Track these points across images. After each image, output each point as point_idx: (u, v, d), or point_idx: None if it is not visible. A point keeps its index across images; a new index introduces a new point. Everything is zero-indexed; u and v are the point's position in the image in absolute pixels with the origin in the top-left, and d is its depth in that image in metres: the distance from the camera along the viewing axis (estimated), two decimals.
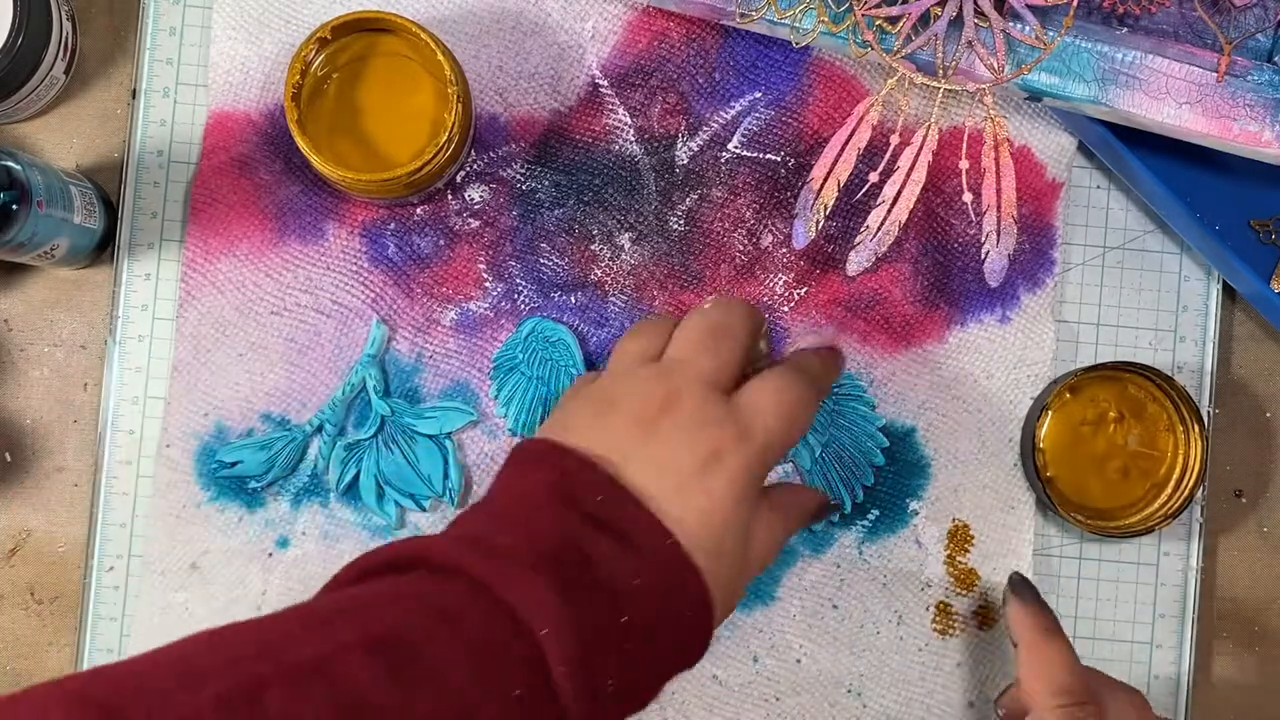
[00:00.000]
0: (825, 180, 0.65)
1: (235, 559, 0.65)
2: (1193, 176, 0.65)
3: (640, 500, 0.47)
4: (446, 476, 0.65)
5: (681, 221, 0.66)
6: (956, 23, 0.62)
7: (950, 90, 0.62)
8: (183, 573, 0.65)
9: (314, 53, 0.60)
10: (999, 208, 0.64)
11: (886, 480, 0.67)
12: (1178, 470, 0.66)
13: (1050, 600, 0.67)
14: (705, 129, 0.66)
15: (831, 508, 0.61)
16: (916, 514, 0.67)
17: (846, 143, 0.64)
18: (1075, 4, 0.61)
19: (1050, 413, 0.65)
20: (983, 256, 0.65)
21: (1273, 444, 0.69)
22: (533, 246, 0.66)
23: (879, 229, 0.65)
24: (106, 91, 0.67)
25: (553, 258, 0.66)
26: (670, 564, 0.46)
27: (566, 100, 0.66)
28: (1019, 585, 0.60)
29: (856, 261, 0.65)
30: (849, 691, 0.66)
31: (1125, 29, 0.63)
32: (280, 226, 0.65)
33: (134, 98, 0.67)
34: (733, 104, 0.66)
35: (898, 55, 0.62)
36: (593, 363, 0.66)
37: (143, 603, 0.65)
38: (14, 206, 0.56)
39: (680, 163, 0.66)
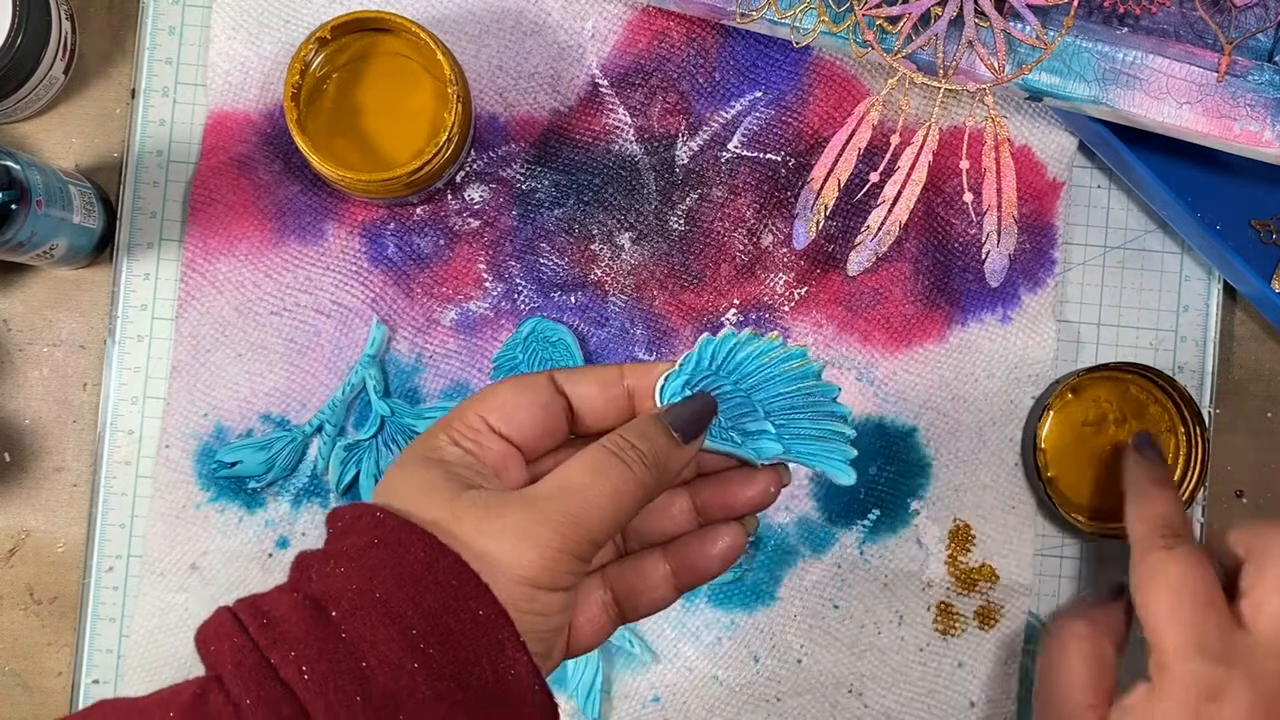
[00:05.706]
0: (826, 180, 0.64)
1: (235, 559, 0.65)
2: (1193, 176, 0.65)
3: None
4: None
5: (681, 221, 0.66)
6: (957, 22, 0.61)
7: (950, 90, 0.62)
8: (182, 573, 0.65)
9: (313, 53, 0.60)
10: (999, 207, 0.64)
11: (887, 480, 0.66)
12: (1179, 471, 0.66)
13: (1052, 602, 0.67)
14: (705, 129, 0.66)
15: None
16: (917, 514, 0.66)
17: (847, 143, 0.64)
18: (1076, 4, 0.60)
19: (1051, 413, 0.65)
20: (983, 256, 0.65)
21: (1274, 444, 0.69)
22: (533, 246, 0.66)
23: (879, 229, 0.65)
24: (106, 91, 0.67)
25: (553, 257, 0.66)
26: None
27: (566, 100, 0.66)
28: (1142, 443, 0.62)
29: (857, 261, 0.65)
30: (850, 692, 0.66)
31: (1126, 29, 0.63)
32: (280, 226, 0.65)
33: (133, 97, 0.66)
34: (733, 104, 0.66)
35: (898, 55, 0.62)
36: (592, 362, 0.66)
37: (142, 603, 0.64)
38: (13, 206, 0.56)
39: (680, 162, 0.66)
